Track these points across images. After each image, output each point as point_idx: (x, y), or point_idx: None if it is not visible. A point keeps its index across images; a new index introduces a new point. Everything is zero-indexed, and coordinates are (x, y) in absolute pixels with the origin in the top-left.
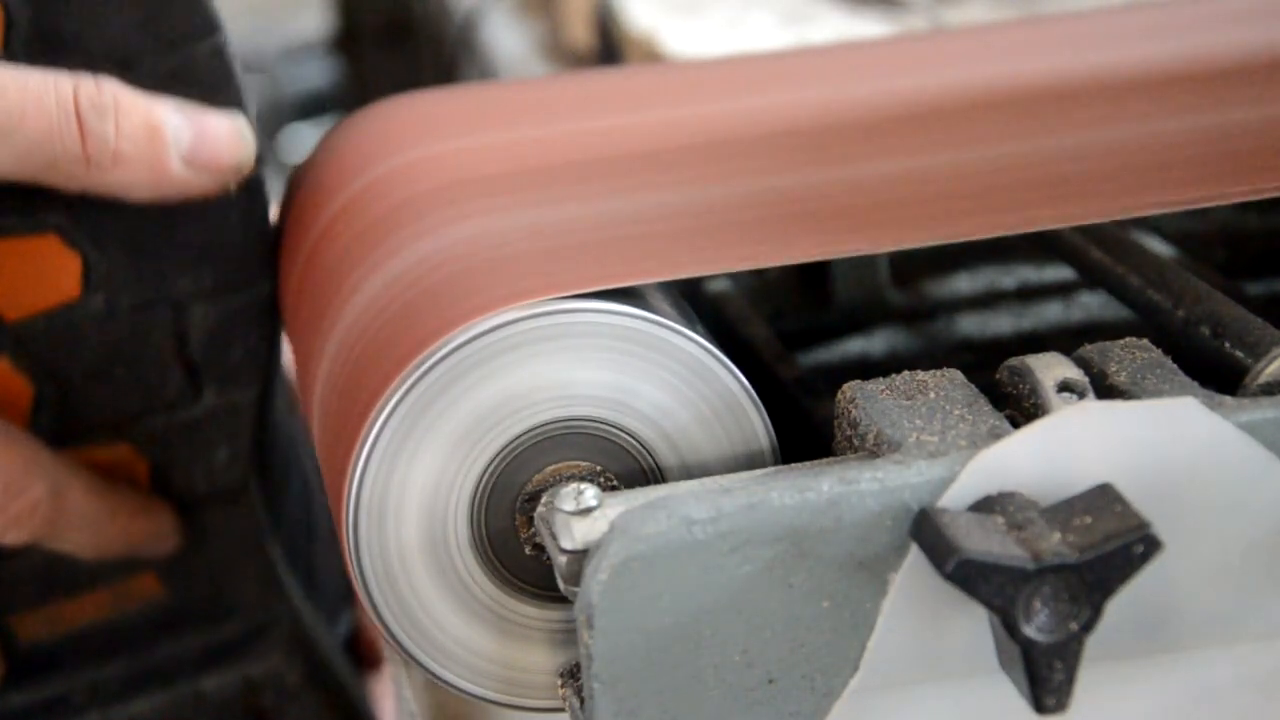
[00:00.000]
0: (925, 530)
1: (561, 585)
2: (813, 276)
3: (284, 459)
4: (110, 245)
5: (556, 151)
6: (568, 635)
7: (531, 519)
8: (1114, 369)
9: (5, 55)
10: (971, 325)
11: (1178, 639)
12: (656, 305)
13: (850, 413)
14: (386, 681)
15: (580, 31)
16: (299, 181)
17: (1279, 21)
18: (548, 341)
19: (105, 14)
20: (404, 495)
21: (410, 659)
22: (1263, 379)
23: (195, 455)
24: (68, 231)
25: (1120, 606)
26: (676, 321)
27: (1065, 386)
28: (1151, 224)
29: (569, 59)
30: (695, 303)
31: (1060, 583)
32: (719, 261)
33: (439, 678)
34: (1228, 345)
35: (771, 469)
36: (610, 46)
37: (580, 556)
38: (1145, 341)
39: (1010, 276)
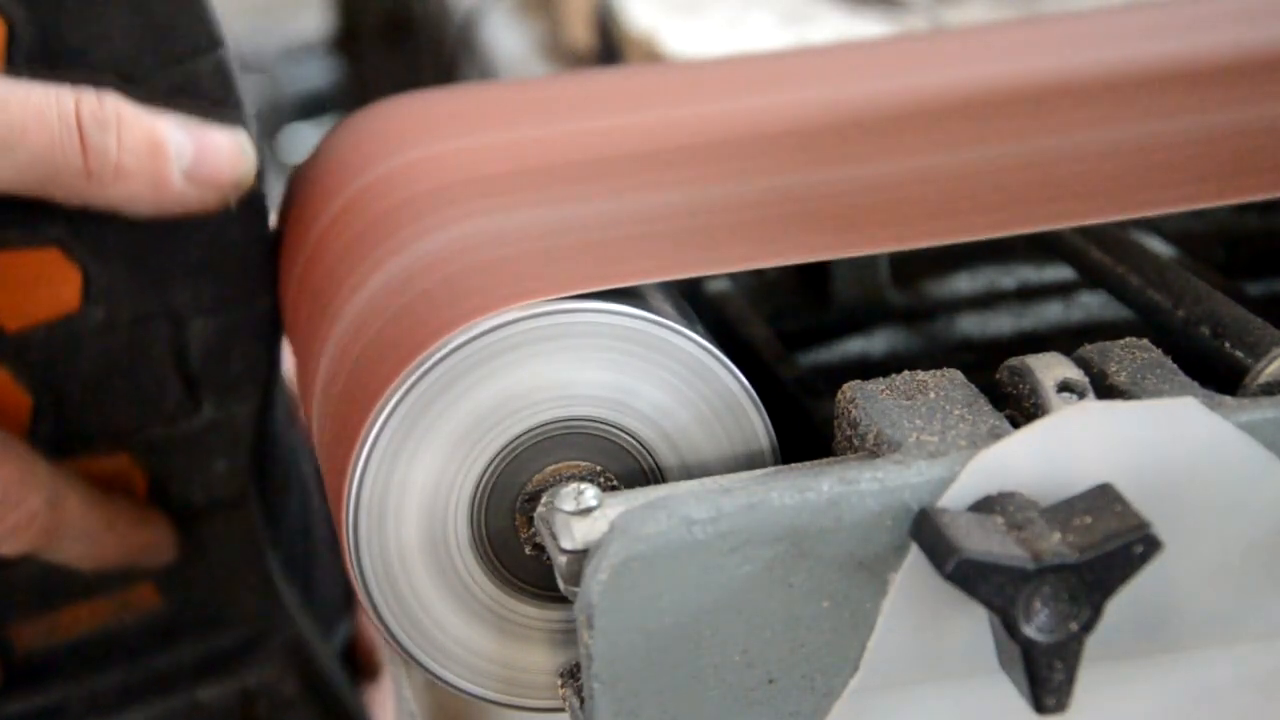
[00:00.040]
0: (925, 530)
1: (561, 585)
2: (813, 276)
3: (283, 469)
4: (111, 258)
5: (556, 151)
6: (568, 635)
7: (531, 519)
8: (1114, 369)
9: (8, 68)
10: (971, 325)
11: (1178, 639)
12: (656, 305)
13: (850, 413)
14: (383, 691)
15: (580, 31)
16: (299, 181)
17: (1279, 21)
18: (548, 341)
19: (108, 28)
20: (404, 495)
21: (410, 659)
22: (1263, 379)
23: (194, 467)
24: (68, 244)
25: (1120, 606)
26: (676, 321)
27: (1065, 386)
28: (1151, 224)
29: (569, 59)
30: (695, 303)
31: (1060, 583)
32: (719, 261)
33: (439, 678)
34: (1228, 345)
35: (771, 469)
36: (610, 46)
37: (580, 556)
38: (1145, 341)
39: (1010, 276)
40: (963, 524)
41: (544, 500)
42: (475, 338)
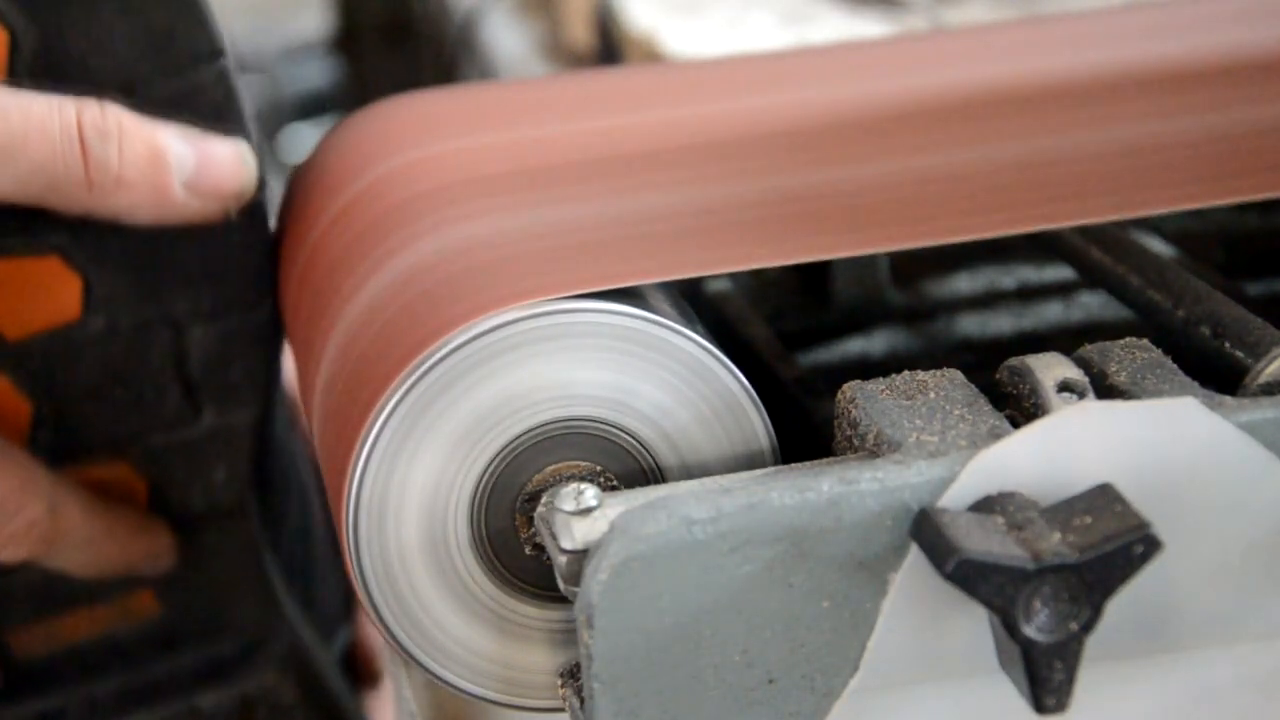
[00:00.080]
0: (925, 530)
1: (561, 585)
2: (813, 276)
3: (283, 476)
4: (111, 266)
5: (556, 151)
6: (568, 635)
7: (531, 519)
8: (1114, 369)
9: (10, 77)
10: (971, 325)
11: (1178, 639)
12: (656, 305)
13: (850, 413)
14: (383, 698)
15: (580, 31)
16: (299, 181)
17: (1279, 21)
18: (548, 341)
19: (110, 38)
20: (404, 495)
21: (410, 659)
22: (1263, 379)
23: (193, 474)
24: (69, 252)
25: (1120, 606)
26: (676, 321)
27: (1065, 386)
28: (1151, 224)
29: (569, 59)
30: (695, 303)
31: (1060, 583)
32: (719, 261)
33: (439, 678)
34: (1228, 345)
35: (771, 469)
36: (610, 46)
37: (580, 556)
38: (1145, 341)
39: (1010, 276)
40: (963, 524)
41: (544, 500)
42: (475, 338)
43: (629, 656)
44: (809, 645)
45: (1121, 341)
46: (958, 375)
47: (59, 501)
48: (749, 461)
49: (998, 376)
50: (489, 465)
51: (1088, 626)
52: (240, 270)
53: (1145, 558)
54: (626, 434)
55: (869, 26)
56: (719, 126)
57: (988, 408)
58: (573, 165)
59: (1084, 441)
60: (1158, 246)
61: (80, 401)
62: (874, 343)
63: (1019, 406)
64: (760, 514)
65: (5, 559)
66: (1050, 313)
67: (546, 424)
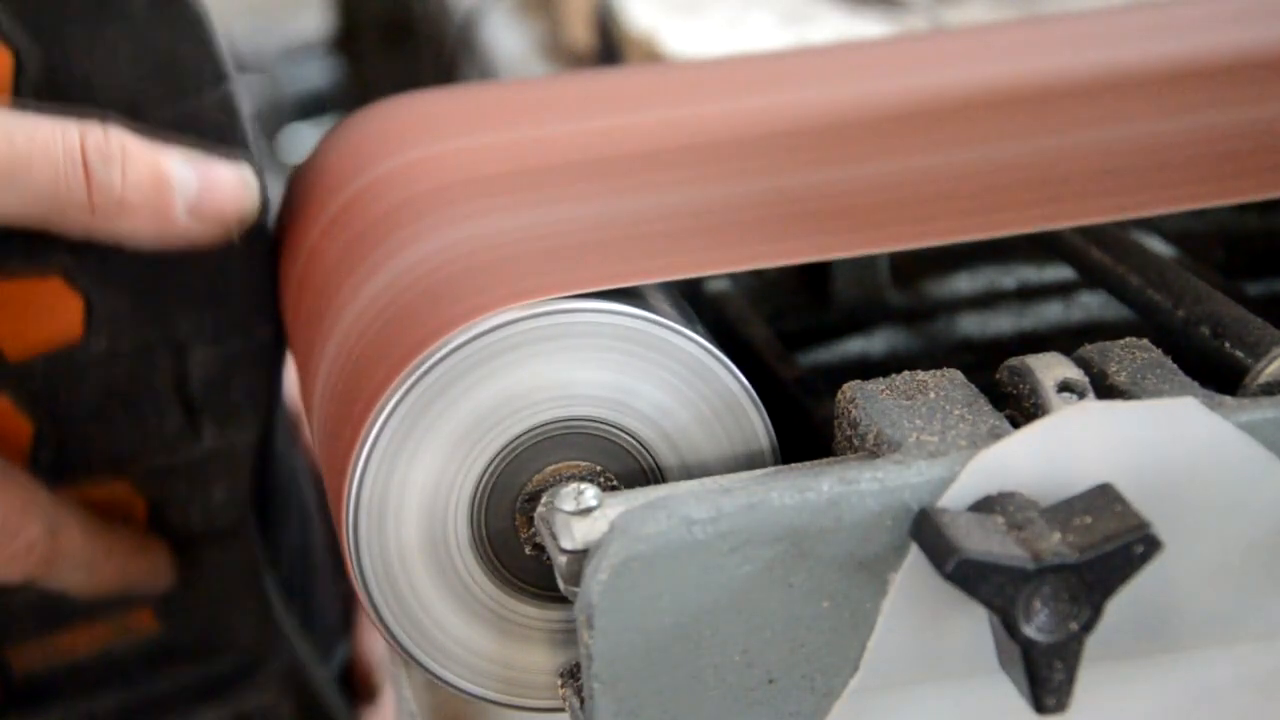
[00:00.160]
0: (925, 530)
1: (561, 585)
2: (813, 276)
3: (283, 494)
4: (113, 288)
5: (556, 151)
6: (568, 635)
7: (531, 519)
8: (1114, 369)
9: (15, 98)
10: (971, 325)
11: (1178, 639)
12: (656, 305)
13: (850, 413)
14: (381, 714)
15: (580, 31)
16: (299, 181)
17: (1279, 21)
18: (548, 341)
19: (115, 60)
20: (404, 495)
21: (410, 659)
22: (1263, 379)
23: (193, 494)
24: (71, 273)
25: (1120, 606)
26: (676, 321)
27: (1065, 386)
28: (1151, 224)
29: (569, 59)
30: (695, 303)
31: (1060, 583)
32: (719, 261)
33: (439, 678)
34: (1228, 345)
35: (771, 469)
36: (610, 46)
37: (580, 556)
38: (1145, 341)
39: (1010, 276)
40: (963, 524)
41: (544, 500)
42: (475, 338)
43: (629, 656)
44: (809, 645)
45: (1121, 341)
46: (958, 375)
47: (59, 523)
48: (749, 461)
49: (998, 376)
50: (489, 465)
51: (1088, 626)
52: (242, 292)
53: (1145, 558)
54: (626, 434)
55: (869, 26)
56: (719, 126)
57: (988, 408)
58: (573, 165)
59: (1084, 441)
60: (1158, 246)
61: (81, 422)
62: (874, 343)
63: (1019, 406)
64: (760, 514)
65: (4, 579)
66: (1050, 313)
67: (546, 424)
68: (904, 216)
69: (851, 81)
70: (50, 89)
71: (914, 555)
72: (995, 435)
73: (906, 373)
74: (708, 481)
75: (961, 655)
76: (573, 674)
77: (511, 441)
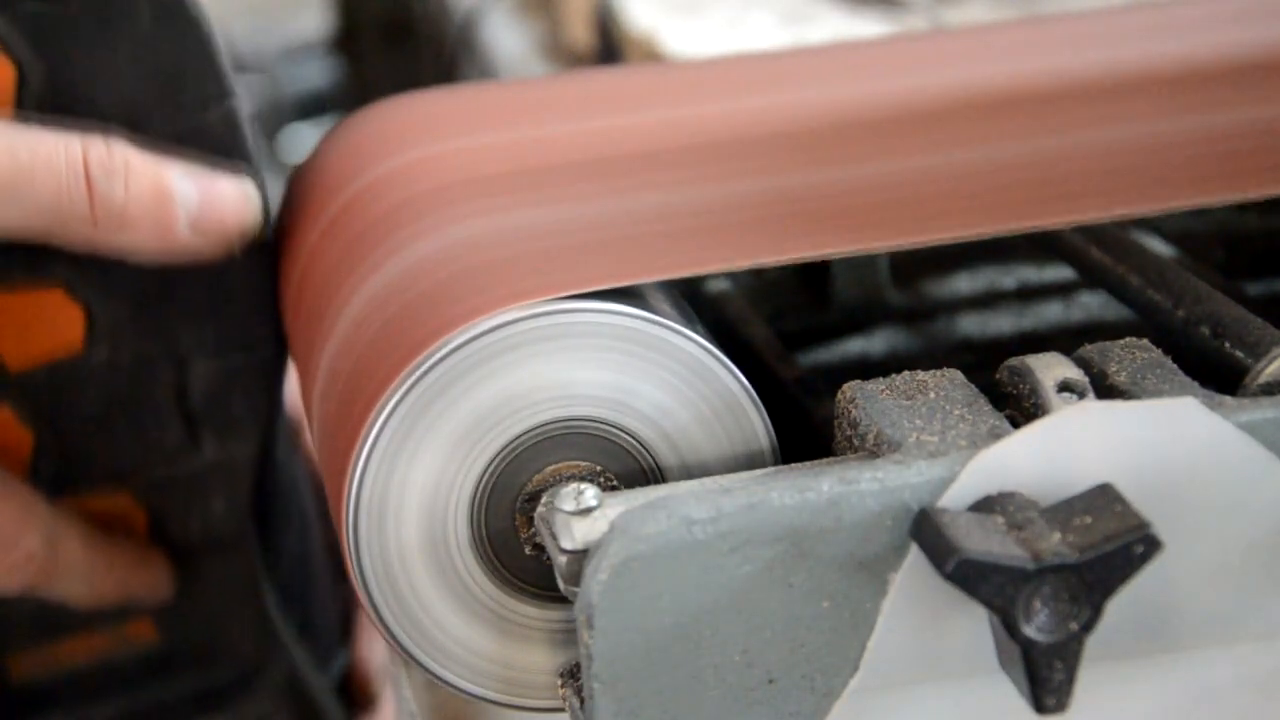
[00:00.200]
0: (925, 530)
1: (561, 585)
2: (813, 276)
3: (283, 503)
4: (114, 300)
5: (556, 151)
6: (568, 635)
7: (531, 519)
8: (1114, 369)
9: (18, 111)
10: (971, 325)
11: (1178, 639)
12: (656, 305)
13: (850, 413)
14: None
15: (580, 31)
16: (299, 181)
17: (1279, 21)
18: (548, 341)
19: (118, 74)
20: (404, 495)
21: (410, 659)
22: (1263, 379)
23: (193, 505)
24: (72, 285)
25: (1120, 606)
26: (676, 321)
27: (1065, 386)
28: (1151, 224)
29: (569, 59)
30: (695, 303)
31: (1060, 583)
32: (719, 261)
33: (439, 678)
34: (1228, 345)
35: (771, 469)
36: (610, 46)
37: (580, 556)
38: (1145, 341)
39: (1010, 276)
40: (963, 524)
41: (544, 500)
42: (475, 338)
43: (629, 656)
44: (809, 645)
45: (1121, 341)
46: (958, 375)
47: (58, 534)
48: (749, 461)
49: (998, 376)
50: (489, 465)
51: (1088, 626)
52: (244, 306)
53: (1145, 558)
54: (626, 434)
55: (869, 26)
56: (719, 126)
57: (988, 408)
58: (573, 165)
59: (1084, 441)
60: (1158, 246)
61: (82, 433)
62: (874, 343)
63: (1019, 406)
64: (760, 514)
65: (3, 590)
66: (1050, 313)
67: (546, 424)
68: (904, 216)
69: (851, 81)
70: (53, 102)
71: (914, 555)
72: (995, 435)
73: (906, 373)
74: (708, 481)
75: (961, 655)
76: (573, 674)
77: (511, 441)
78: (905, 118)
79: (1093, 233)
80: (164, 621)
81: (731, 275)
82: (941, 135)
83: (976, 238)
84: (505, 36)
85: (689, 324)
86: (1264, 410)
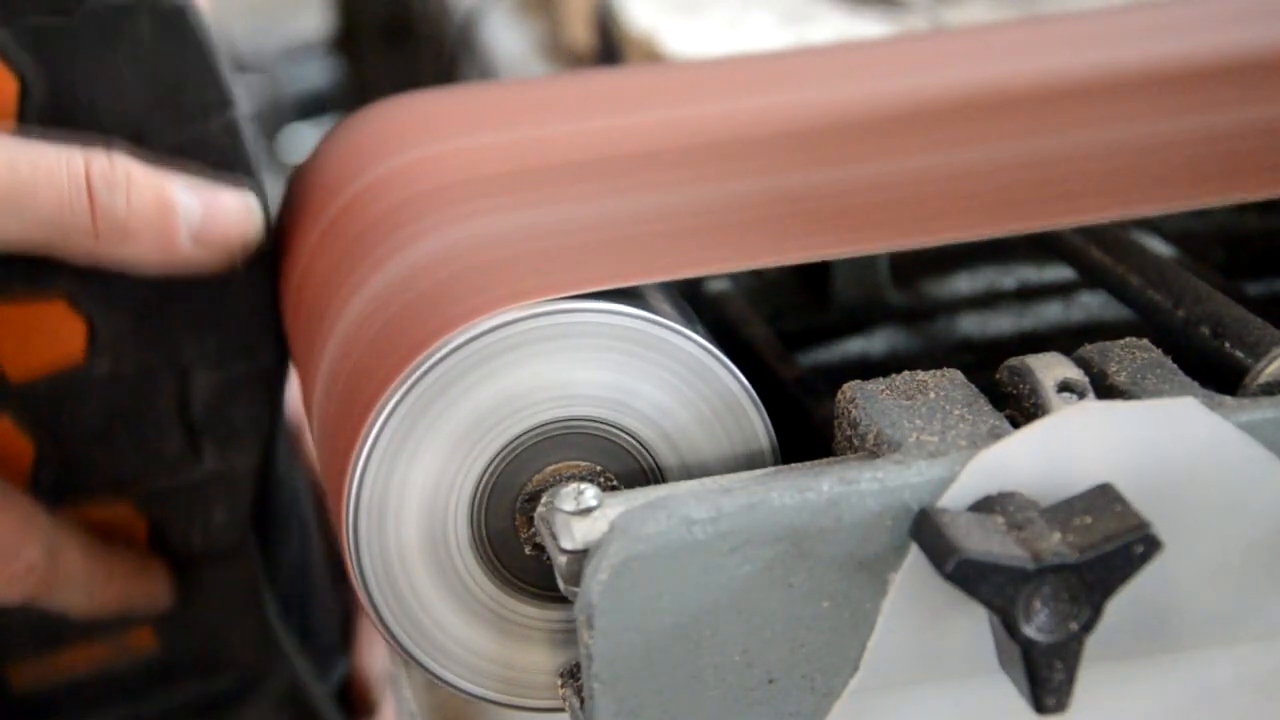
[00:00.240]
0: (925, 530)
1: (561, 585)
2: (813, 276)
3: (284, 512)
4: (116, 311)
5: (556, 151)
6: (568, 635)
7: (531, 519)
8: (1114, 369)
9: (20, 123)
10: (971, 325)
11: (1178, 639)
12: (656, 305)
13: (850, 413)
14: None
15: (580, 31)
16: (299, 181)
17: (1279, 21)
18: (548, 341)
19: (120, 86)
20: (404, 495)
21: (410, 659)
22: (1263, 379)
23: (193, 516)
24: (74, 296)
25: (1120, 606)
26: (676, 321)
27: (1065, 386)
28: (1151, 224)
29: (569, 59)
30: (695, 303)
31: (1060, 583)
32: (719, 261)
33: (439, 678)
34: (1228, 345)
35: (771, 469)
36: (610, 46)
37: (580, 556)
38: (1145, 341)
39: (1010, 276)
40: (963, 524)
41: (544, 500)
42: (475, 338)
43: (629, 656)
44: (809, 645)
45: (1121, 341)
46: (958, 375)
47: (59, 545)
48: (749, 461)
49: (998, 376)
50: (489, 465)
51: (1088, 626)
52: (245, 317)
53: (1145, 558)
54: (626, 434)
55: (869, 26)
56: (719, 126)
57: (988, 408)
58: (573, 165)
59: (1084, 441)
60: (1158, 246)
61: (83, 443)
62: (874, 343)
63: (1019, 406)
64: (760, 514)
65: (4, 600)
66: (1050, 313)
67: (546, 424)
68: (904, 217)
69: (851, 81)
70: (55, 115)
71: (914, 555)
72: (995, 435)
73: (906, 373)
74: (708, 481)
75: (961, 655)
76: (573, 674)
77: (511, 441)
78: (905, 118)
79: (1093, 233)
80: (164, 631)
81: (731, 275)
82: (941, 135)
83: (976, 238)
84: (505, 36)
85: (689, 324)
86: (1264, 410)
